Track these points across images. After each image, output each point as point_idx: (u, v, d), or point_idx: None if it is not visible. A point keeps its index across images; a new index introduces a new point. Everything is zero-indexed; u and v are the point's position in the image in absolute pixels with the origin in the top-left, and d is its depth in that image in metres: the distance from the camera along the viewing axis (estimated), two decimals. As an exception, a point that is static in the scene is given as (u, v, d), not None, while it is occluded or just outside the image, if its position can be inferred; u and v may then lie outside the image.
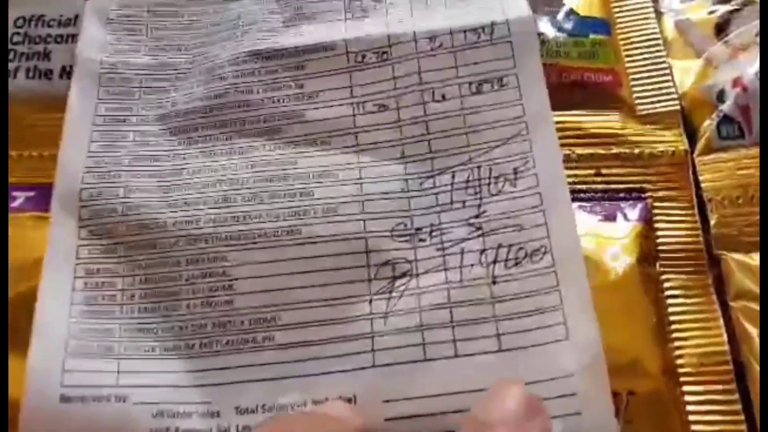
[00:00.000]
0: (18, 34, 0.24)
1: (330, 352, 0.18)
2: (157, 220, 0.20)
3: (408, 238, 0.20)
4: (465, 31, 0.21)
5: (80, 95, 0.22)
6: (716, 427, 0.17)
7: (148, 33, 0.23)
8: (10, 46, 0.23)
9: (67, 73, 0.23)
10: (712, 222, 0.19)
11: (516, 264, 0.19)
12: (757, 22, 0.21)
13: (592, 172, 0.21)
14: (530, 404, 0.15)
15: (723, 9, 0.22)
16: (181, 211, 0.20)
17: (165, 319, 0.19)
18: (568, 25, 0.22)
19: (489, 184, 0.20)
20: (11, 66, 0.23)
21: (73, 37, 0.23)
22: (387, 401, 0.18)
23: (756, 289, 0.17)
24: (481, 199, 0.20)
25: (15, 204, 0.21)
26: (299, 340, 0.19)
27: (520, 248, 0.19)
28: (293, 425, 0.16)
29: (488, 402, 0.15)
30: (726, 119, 0.20)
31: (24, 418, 0.17)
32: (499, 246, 0.19)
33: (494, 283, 0.19)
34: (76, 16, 0.24)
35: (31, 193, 0.21)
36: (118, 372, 0.18)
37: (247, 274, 0.19)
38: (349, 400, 0.18)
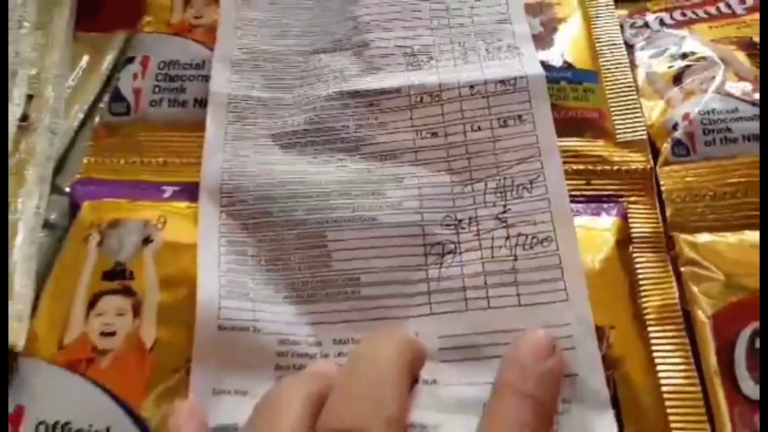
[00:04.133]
0: (160, 74, 0.32)
1: (399, 303, 0.26)
2: (275, 208, 0.27)
3: (453, 227, 0.27)
4: (496, 82, 0.29)
5: (214, 120, 0.29)
6: (671, 354, 0.24)
7: (260, 74, 0.31)
8: (155, 83, 0.32)
9: (198, 102, 0.31)
10: (668, 213, 0.26)
11: (531, 247, 0.26)
12: (702, 75, 0.29)
13: (584, 182, 0.28)
14: (546, 345, 0.22)
15: (679, 64, 0.30)
16: (292, 201, 0.27)
17: (283, 277, 0.26)
18: (567, 76, 0.30)
19: (512, 190, 0.27)
20: (156, 97, 0.31)
21: (201, 77, 0.32)
22: (440, 337, 0.25)
23: (697, 257, 0.25)
24: (506, 200, 0.27)
25: (165, 195, 0.29)
26: (378, 294, 0.26)
27: (534, 237, 0.26)
28: (382, 335, 0.24)
29: (518, 342, 0.23)
30: (678, 142, 0.28)
31: (196, 342, 0.24)
32: (519, 234, 0.26)
33: (515, 259, 0.26)
34: (203, 61, 0.32)
35: (177, 188, 0.29)
36: (253, 311, 0.25)
37: (340, 247, 0.26)
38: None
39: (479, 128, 0.29)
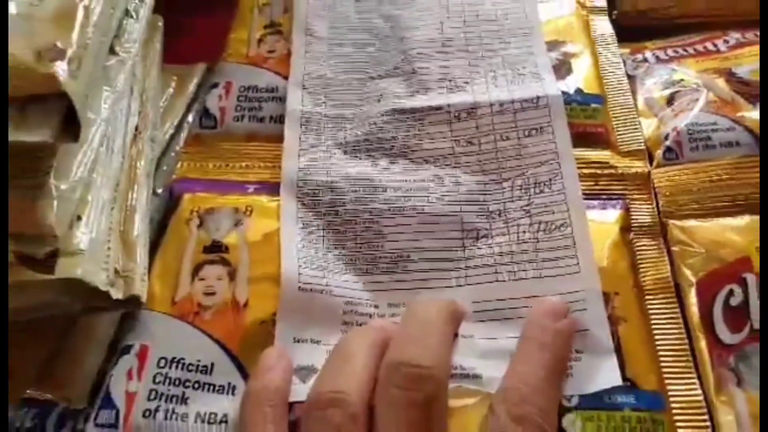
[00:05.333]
0: (241, 96, 0.39)
1: (440, 276, 0.31)
2: (341, 199, 0.34)
3: (486, 216, 0.33)
4: (522, 101, 0.36)
5: (290, 130, 0.36)
6: (663, 313, 0.29)
7: (327, 95, 0.38)
8: (236, 103, 0.38)
9: (272, 119, 0.38)
10: (661, 204, 0.33)
11: (550, 232, 0.32)
12: (689, 97, 0.35)
13: (593, 183, 0.34)
14: (561, 309, 0.29)
15: (670, 90, 0.37)
16: (354, 194, 0.34)
17: (347, 252, 0.32)
18: (578, 99, 0.37)
19: (534, 187, 0.33)
20: (238, 114, 0.38)
21: (275, 98, 0.38)
22: (475, 302, 0.30)
23: (684, 238, 0.31)
24: (530, 195, 0.33)
25: (249, 191, 0.35)
26: (423, 268, 0.32)
27: (553, 224, 0.32)
28: (429, 300, 0.30)
29: (538, 307, 0.29)
30: (668, 149, 0.34)
31: (281, 300, 0.30)
32: (540, 222, 0.32)
33: (537, 242, 0.31)
34: (276, 86, 0.39)
35: (258, 186, 0.35)
36: (325, 278, 0.31)
37: (393, 231, 0.32)
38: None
39: (507, 138, 0.35)
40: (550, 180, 0.33)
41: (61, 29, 0.23)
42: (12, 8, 0.22)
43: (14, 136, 0.21)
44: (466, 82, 0.37)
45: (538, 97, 0.36)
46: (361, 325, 0.30)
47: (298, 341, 0.30)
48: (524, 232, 0.32)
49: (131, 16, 0.32)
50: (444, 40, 0.39)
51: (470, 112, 0.36)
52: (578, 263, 0.31)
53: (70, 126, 0.23)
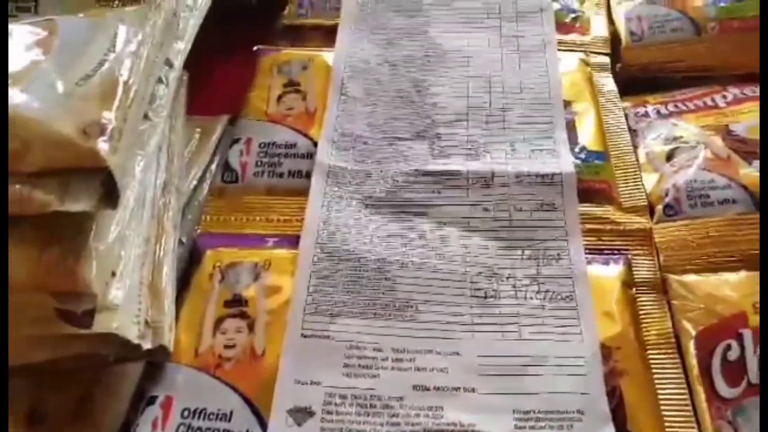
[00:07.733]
0: (261, 152, 0.41)
1: (447, 328, 0.33)
2: (357, 249, 0.35)
3: (493, 279, 0.34)
4: (537, 175, 0.38)
5: (317, 183, 0.38)
6: (664, 372, 0.31)
7: (353, 152, 0.40)
8: (257, 159, 0.40)
9: (291, 174, 0.40)
10: (661, 259, 0.34)
11: (556, 302, 0.33)
12: (688, 154, 0.37)
13: (596, 238, 0.36)
14: None
15: (671, 146, 0.39)
16: (371, 246, 0.35)
17: (357, 298, 0.34)
18: (583, 156, 0.39)
19: (543, 259, 0.35)
20: (258, 170, 0.40)
21: (293, 154, 0.40)
22: (480, 356, 0.32)
23: (684, 292, 0.32)
24: (538, 266, 0.35)
25: (268, 244, 0.37)
26: (430, 319, 0.33)
27: (558, 294, 0.33)
28: None
29: None
30: (668, 206, 0.36)
31: (285, 345, 0.32)
32: (547, 291, 0.34)
33: (543, 308, 0.33)
34: (295, 143, 0.41)
35: (277, 239, 0.37)
36: (330, 324, 0.33)
37: (404, 282, 0.34)
38: (456, 353, 0.32)
39: (521, 209, 0.37)
40: (558, 255, 0.35)
41: (103, 106, 0.25)
42: (59, 87, 0.25)
43: (59, 206, 0.23)
44: (486, 151, 0.39)
45: (552, 174, 0.38)
46: (361, 367, 0.32)
47: (299, 382, 0.31)
48: (531, 298, 0.34)
49: (162, 82, 0.34)
50: (469, 109, 0.42)
51: (487, 180, 0.38)
52: (581, 333, 0.32)
53: (109, 193, 0.25)
